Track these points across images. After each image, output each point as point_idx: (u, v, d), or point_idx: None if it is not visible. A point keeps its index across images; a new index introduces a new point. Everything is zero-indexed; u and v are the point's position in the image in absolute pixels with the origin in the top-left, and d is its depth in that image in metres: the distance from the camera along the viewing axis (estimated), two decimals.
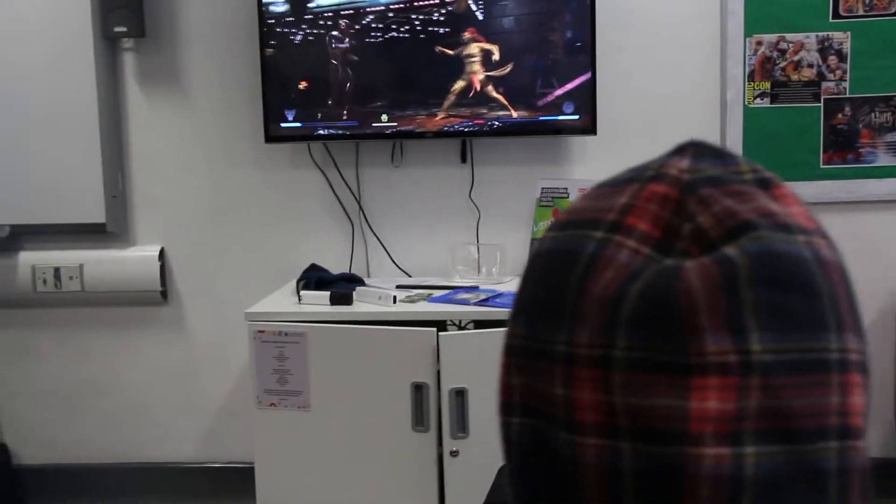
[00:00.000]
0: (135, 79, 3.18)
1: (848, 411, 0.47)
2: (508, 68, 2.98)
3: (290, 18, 2.99)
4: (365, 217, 3.17)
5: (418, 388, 2.54)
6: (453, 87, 3.01)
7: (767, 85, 3.06)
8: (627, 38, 3.06)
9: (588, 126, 2.96)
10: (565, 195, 2.96)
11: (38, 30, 3.08)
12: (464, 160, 3.13)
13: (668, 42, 3.07)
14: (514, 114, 3.00)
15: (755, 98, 3.06)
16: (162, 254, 3.23)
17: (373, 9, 2.96)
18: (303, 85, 3.02)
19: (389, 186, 3.17)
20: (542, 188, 3.02)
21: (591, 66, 2.93)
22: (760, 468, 0.44)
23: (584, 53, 2.93)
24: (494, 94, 3.00)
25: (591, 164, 3.10)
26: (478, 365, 2.53)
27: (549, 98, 2.99)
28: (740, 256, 0.45)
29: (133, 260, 3.22)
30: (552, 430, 0.49)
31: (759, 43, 3.04)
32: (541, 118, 2.99)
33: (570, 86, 2.97)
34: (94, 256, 3.20)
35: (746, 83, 3.06)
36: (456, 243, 3.09)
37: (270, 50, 2.99)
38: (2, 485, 3.27)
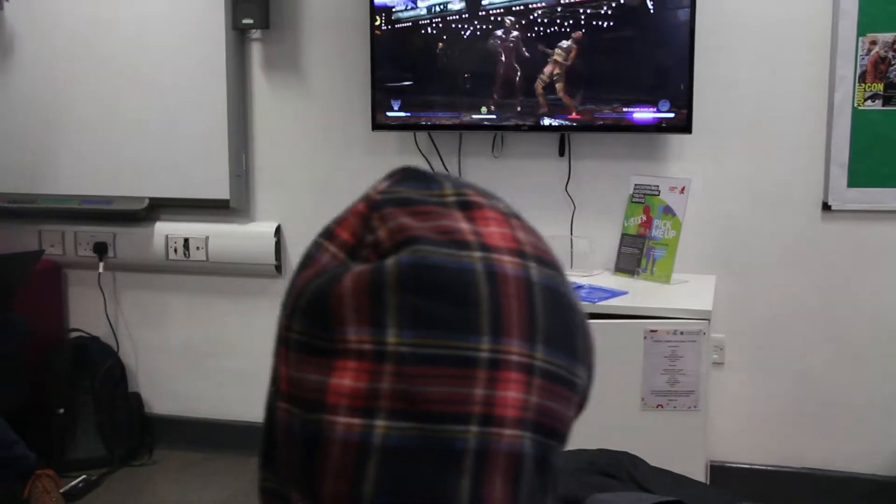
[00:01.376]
0: (260, 67, 3.43)
1: (495, 403, 0.54)
2: (608, 66, 3.01)
3: (400, 13, 3.14)
4: None
5: None
6: (554, 83, 3.07)
7: (880, 86, 2.94)
8: (732, 36, 3.02)
9: (683, 124, 2.96)
10: (657, 192, 2.97)
11: (175, 22, 3.39)
12: (562, 153, 3.19)
13: (775, 41, 3.00)
14: (611, 110, 3.04)
15: (865, 100, 2.95)
16: (278, 230, 3.48)
17: (481, 9, 3.08)
18: (409, 76, 3.18)
19: (489, 176, 3.27)
20: (635, 185, 3.04)
21: (689, 64, 2.92)
22: (389, 439, 0.52)
23: (682, 52, 2.92)
24: (591, 90, 3.04)
25: (687, 162, 3.09)
26: None
27: (646, 96, 3.00)
28: (393, 266, 0.54)
29: (252, 234, 3.49)
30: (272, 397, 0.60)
31: (874, 42, 2.93)
32: (636, 115, 3.02)
33: (667, 84, 2.97)
34: (219, 230, 3.49)
35: (857, 84, 2.95)
36: (550, 235, 3.16)
37: (380, 42, 3.16)
38: (135, 428, 3.64)
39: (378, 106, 3.21)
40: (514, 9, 3.05)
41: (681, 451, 2.57)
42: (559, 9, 3.01)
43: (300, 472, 0.55)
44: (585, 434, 2.33)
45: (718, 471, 3.17)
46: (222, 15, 3.33)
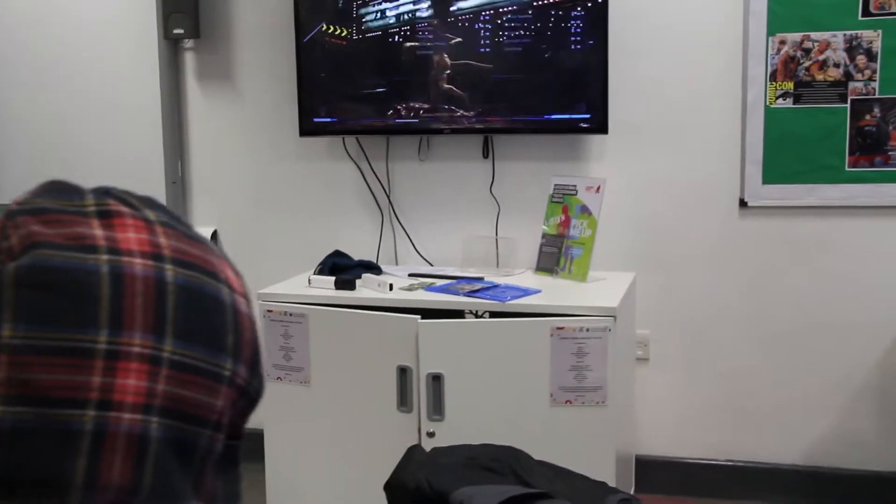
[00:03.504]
0: (193, 75, 3.50)
1: (113, 389, 0.59)
2: (524, 68, 3.08)
3: (320, 21, 3.20)
4: (393, 208, 3.36)
5: (403, 372, 2.72)
6: (474, 86, 3.14)
7: (790, 85, 3.01)
8: (646, 38, 3.09)
9: (600, 125, 3.02)
10: (574, 192, 3.03)
11: (109, 31, 3.46)
12: (485, 156, 3.25)
13: (689, 42, 3.07)
14: (530, 113, 3.10)
15: (777, 98, 3.02)
16: (214, 235, 3.54)
17: (393, 12, 3.14)
18: (332, 82, 3.24)
19: (417, 180, 3.34)
20: (555, 185, 3.10)
21: (603, 66, 2.98)
22: (4, 422, 0.57)
23: (596, 54, 2.99)
24: (507, 92, 3.10)
25: (606, 162, 3.16)
26: (454, 352, 2.67)
27: (563, 98, 3.06)
28: (13, 267, 0.59)
29: None
30: None
31: (783, 42, 2.99)
32: (554, 117, 3.08)
33: (582, 86, 3.04)
34: None
35: (768, 83, 3.01)
36: (476, 236, 3.23)
37: (304, 49, 3.22)
38: None
39: (305, 112, 3.27)
40: (425, 20, 3.11)
41: (590, 446, 2.63)
42: (482, 14, 3.07)
43: None
44: (496, 428, 2.41)
45: (644, 464, 3.23)
46: (154, 25, 3.39)
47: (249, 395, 0.70)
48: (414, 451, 2.03)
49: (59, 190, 0.65)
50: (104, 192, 0.66)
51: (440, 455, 2.01)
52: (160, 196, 3.46)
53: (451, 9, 3.10)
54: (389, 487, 1.96)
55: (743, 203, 3.09)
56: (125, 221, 0.63)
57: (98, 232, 0.62)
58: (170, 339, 0.61)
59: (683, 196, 3.13)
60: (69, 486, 0.57)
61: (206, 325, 0.64)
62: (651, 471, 3.24)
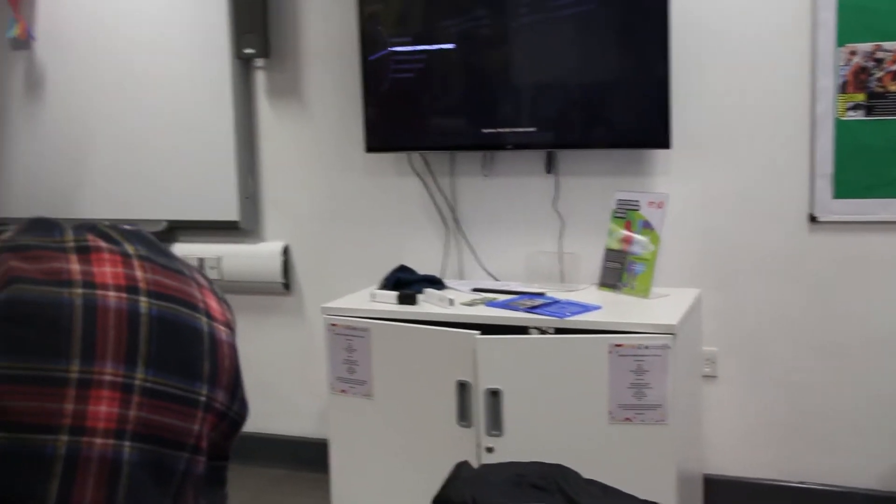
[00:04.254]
0: (264, 93, 3.59)
1: (84, 416, 0.62)
2: (586, 83, 3.07)
3: (385, 40, 3.26)
4: (458, 223, 3.39)
5: (462, 387, 2.74)
6: (538, 102, 3.15)
7: (862, 97, 2.92)
8: (711, 50, 3.04)
9: (662, 140, 3.00)
10: (637, 207, 3.01)
11: (183, 52, 3.58)
12: (549, 171, 3.25)
13: (755, 54, 3.01)
14: (591, 127, 3.10)
15: (847, 110, 2.94)
16: (286, 250, 3.63)
17: (455, 29, 3.17)
18: (397, 99, 3.29)
19: (481, 195, 3.36)
20: (618, 200, 3.08)
21: (665, 80, 2.95)
22: None
23: (658, 68, 2.96)
24: (570, 107, 3.10)
25: (671, 176, 3.12)
26: (512, 368, 2.68)
27: (625, 112, 3.05)
28: None
29: (261, 254, 3.65)
30: None
31: (853, 53, 2.92)
32: (616, 132, 3.07)
33: (644, 100, 3.02)
34: (231, 250, 3.66)
35: (838, 95, 2.94)
36: (539, 251, 3.23)
37: (370, 66, 3.28)
38: None
39: (371, 128, 3.32)
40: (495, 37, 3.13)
41: (650, 465, 2.61)
42: (544, 30, 3.08)
43: None
44: (554, 445, 2.41)
45: (714, 484, 3.18)
46: (227, 45, 3.50)
47: (231, 419, 0.73)
48: (462, 468, 2.05)
49: (41, 227, 0.69)
50: (88, 228, 0.69)
51: (488, 472, 2.03)
52: (234, 212, 3.57)
53: (513, 24, 3.12)
54: (437, 502, 1.99)
55: (812, 218, 3.01)
56: (102, 256, 0.67)
57: (75, 266, 0.65)
58: (141, 367, 0.64)
59: (750, 211, 3.08)
60: None
61: (180, 353, 0.67)
62: (721, 491, 3.18)
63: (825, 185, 3.00)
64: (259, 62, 3.57)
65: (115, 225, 0.73)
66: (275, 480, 3.63)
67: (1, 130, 3.93)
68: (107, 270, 0.66)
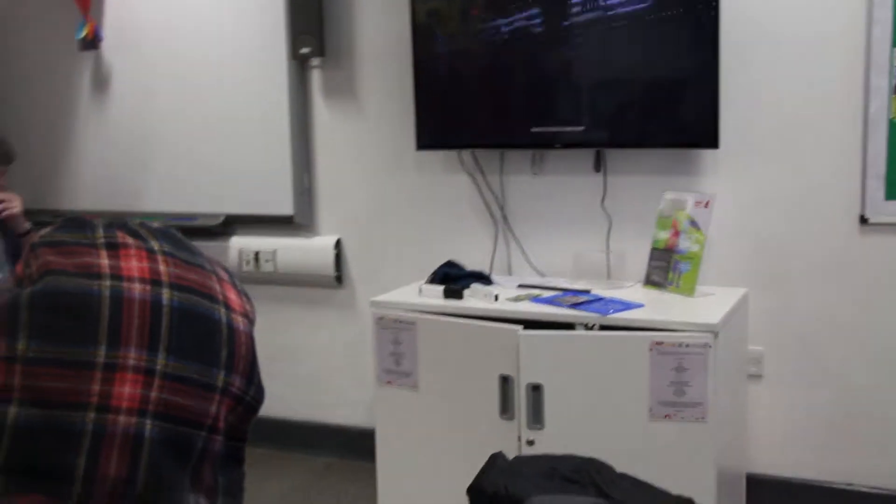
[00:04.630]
0: (319, 92, 3.69)
1: (110, 396, 0.69)
2: (635, 82, 3.09)
3: (436, 39, 3.32)
4: (507, 220, 3.44)
5: (505, 381, 2.79)
6: (586, 100, 3.18)
7: None
8: (763, 49, 3.04)
9: (710, 140, 3.00)
10: (683, 207, 3.02)
11: (244, 54, 3.70)
12: (597, 169, 3.28)
13: (807, 53, 3.00)
14: (639, 127, 3.11)
15: None
16: (338, 244, 3.72)
17: (507, 28, 3.22)
18: (448, 97, 3.35)
19: (530, 192, 3.40)
20: (665, 199, 3.09)
21: (714, 81, 2.96)
22: (20, 419, 0.68)
23: (707, 68, 2.96)
24: (618, 106, 3.12)
25: (719, 176, 3.12)
26: (554, 363, 2.72)
27: (673, 112, 3.06)
28: (28, 292, 0.70)
29: (315, 248, 3.74)
30: None
31: None
32: (664, 131, 3.08)
33: (693, 100, 3.02)
34: (285, 243, 3.77)
35: (892, 95, 2.91)
36: (586, 248, 3.26)
37: (421, 65, 3.35)
38: None
39: (422, 126, 3.39)
40: (547, 34, 3.17)
41: (689, 462, 2.63)
42: (593, 29, 3.10)
43: None
44: (595, 440, 2.45)
45: (757, 483, 3.18)
46: (284, 45, 3.60)
47: (247, 403, 0.79)
48: (496, 458, 2.10)
49: (76, 225, 0.77)
50: (118, 226, 0.76)
51: (522, 463, 2.08)
52: (289, 206, 3.67)
53: (564, 24, 3.15)
54: (471, 491, 2.04)
55: (864, 219, 2.99)
56: (129, 252, 0.74)
57: (104, 261, 0.72)
58: (163, 353, 0.71)
59: (800, 211, 3.06)
60: (72, 477, 0.67)
61: (199, 341, 0.74)
62: (764, 491, 3.18)
63: (877, 186, 2.97)
64: (315, 61, 3.66)
65: (143, 223, 0.80)
66: (324, 468, 3.73)
67: (70, 126, 4.09)
68: (133, 265, 0.73)
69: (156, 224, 0.80)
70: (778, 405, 3.17)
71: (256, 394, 0.80)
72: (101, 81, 4.00)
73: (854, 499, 3.09)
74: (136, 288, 0.72)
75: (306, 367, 3.85)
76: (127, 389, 0.69)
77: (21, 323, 0.70)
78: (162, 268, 0.74)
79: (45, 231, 0.78)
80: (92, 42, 3.90)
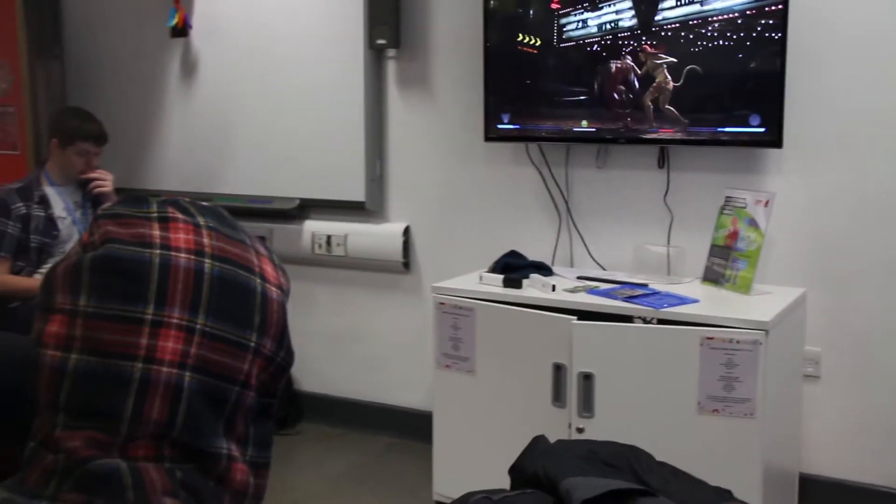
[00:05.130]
0: (394, 82, 3.81)
1: (155, 349, 0.80)
2: (702, 80, 3.12)
3: (508, 32, 3.40)
4: (570, 213, 3.50)
5: (558, 369, 2.87)
6: (652, 98, 3.22)
7: None
8: (830, 48, 3.03)
9: (774, 139, 3.01)
10: (744, 205, 3.04)
11: (322, 44, 3.84)
12: (661, 165, 3.32)
13: (874, 52, 2.98)
14: (705, 125, 3.14)
15: None
16: (406, 230, 3.84)
17: (561, 43, 3.28)
18: (517, 90, 3.42)
19: (594, 186, 3.46)
20: (726, 197, 3.12)
21: (780, 81, 2.97)
22: (79, 365, 0.80)
23: (774, 68, 2.97)
24: (684, 103, 3.16)
25: (783, 175, 3.13)
26: (605, 353, 2.79)
27: (738, 111, 3.08)
28: (90, 256, 0.82)
29: (384, 233, 3.87)
30: None
31: None
32: (728, 129, 3.10)
33: (758, 100, 3.04)
34: (356, 228, 3.90)
35: None
36: (647, 243, 3.31)
37: (491, 58, 3.43)
38: (286, 403, 4.13)
39: (490, 119, 3.48)
40: (611, 34, 3.22)
41: (736, 456, 2.66)
42: (657, 30, 3.14)
43: (36, 389, 0.85)
44: (643, 430, 2.51)
45: (812, 483, 3.18)
46: (361, 36, 3.73)
47: (278, 363, 0.89)
48: (538, 441, 2.17)
49: (134, 201, 0.88)
50: (171, 203, 0.88)
51: (563, 447, 2.15)
52: (360, 193, 3.81)
53: (657, 18, 3.16)
54: (512, 471, 2.13)
55: None
56: (178, 225, 0.85)
57: (155, 232, 0.84)
58: (202, 315, 0.82)
59: (863, 212, 3.05)
60: (121, 417, 0.79)
61: (234, 306, 0.84)
62: (818, 491, 3.18)
63: None
64: (390, 52, 3.78)
65: (193, 201, 0.91)
66: (385, 448, 3.86)
67: (159, 111, 4.31)
68: (181, 237, 0.84)
69: (205, 203, 0.92)
70: (835, 407, 3.16)
71: (286, 356, 0.90)
72: (188, 68, 4.20)
73: None
74: (182, 257, 0.82)
75: (371, 350, 3.99)
76: (170, 344, 0.80)
77: (83, 282, 0.81)
78: (206, 241, 0.85)
79: (107, 205, 0.90)
80: (181, 30, 4.09)
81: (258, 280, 0.87)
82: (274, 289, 0.89)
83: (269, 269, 0.90)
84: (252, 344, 0.85)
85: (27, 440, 0.84)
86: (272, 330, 0.88)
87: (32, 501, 0.80)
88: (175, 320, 0.81)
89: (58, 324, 0.81)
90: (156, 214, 0.85)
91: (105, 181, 3.72)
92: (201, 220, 0.87)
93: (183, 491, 0.81)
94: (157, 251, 0.82)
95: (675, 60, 3.14)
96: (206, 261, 0.84)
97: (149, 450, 0.80)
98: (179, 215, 0.86)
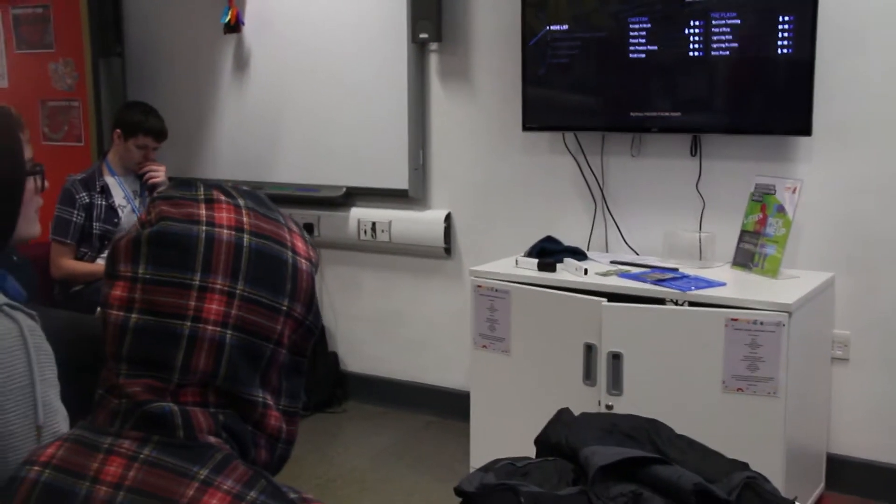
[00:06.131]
0: (436, 74, 3.95)
1: (202, 310, 0.94)
2: (733, 70, 3.21)
3: (545, 25, 3.52)
4: (605, 200, 3.62)
5: (589, 349, 2.99)
6: (683, 86, 3.31)
7: None
8: (857, 39, 3.10)
9: (803, 128, 3.09)
10: (773, 192, 3.13)
11: (368, 38, 4.00)
12: (693, 153, 3.41)
13: None
14: (735, 113, 3.23)
15: None
16: (448, 217, 3.99)
17: (595, 34, 3.39)
18: (554, 81, 3.54)
19: (628, 174, 3.57)
20: (756, 184, 3.21)
21: (810, 70, 3.05)
22: (138, 324, 0.95)
23: (803, 58, 3.05)
24: (716, 93, 3.25)
25: (813, 162, 3.21)
26: (634, 334, 2.90)
27: (769, 100, 3.16)
28: (147, 231, 0.97)
29: (426, 220, 4.02)
30: None
31: None
32: (759, 118, 3.19)
33: (788, 89, 3.11)
34: (400, 215, 4.06)
35: None
36: (678, 229, 3.41)
37: (529, 51, 3.56)
38: (331, 382, 4.31)
39: (528, 109, 3.60)
40: (643, 28, 3.32)
41: (759, 433, 2.76)
42: (693, 19, 3.23)
43: (103, 344, 1.01)
44: (669, 407, 2.63)
45: (839, 463, 3.26)
46: (405, 30, 3.88)
47: (307, 326, 1.03)
48: (562, 413, 2.31)
49: (183, 184, 1.03)
50: (215, 186, 1.02)
51: (586, 419, 2.28)
52: (404, 181, 3.96)
53: (663, 11, 3.27)
54: (538, 441, 2.27)
55: None
56: (221, 206, 0.99)
57: (202, 212, 0.98)
58: (242, 281, 0.96)
59: (890, 199, 3.11)
60: (172, 367, 0.94)
61: (269, 274, 0.98)
62: (845, 471, 3.26)
63: None
64: (432, 46, 3.92)
65: (235, 186, 1.05)
66: (424, 425, 4.03)
67: (213, 104, 4.51)
68: (223, 215, 0.98)
69: (245, 187, 1.07)
70: (863, 389, 3.24)
71: (315, 320, 1.04)
72: (240, 63, 4.39)
73: None
74: (225, 232, 0.97)
75: (414, 332, 4.15)
76: (214, 306, 0.95)
77: (141, 254, 0.96)
78: (245, 219, 0.99)
79: (161, 189, 1.06)
80: (234, 26, 4.28)
81: (290, 253, 1.01)
82: (304, 261, 1.03)
83: (299, 244, 1.03)
84: (284, 308, 0.99)
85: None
86: (302, 296, 1.01)
87: (101, 437, 0.96)
88: (218, 286, 0.95)
89: (121, 288, 0.97)
90: (202, 196, 1.00)
91: (159, 172, 3.93)
92: (241, 202, 1.01)
93: (224, 432, 0.96)
94: (204, 227, 0.96)
95: (707, 51, 3.23)
96: (245, 235, 0.97)
97: (195, 396, 0.95)
98: (222, 197, 1.00)
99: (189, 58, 4.57)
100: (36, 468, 0.97)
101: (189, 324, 0.94)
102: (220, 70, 4.47)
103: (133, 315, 0.95)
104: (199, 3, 4.45)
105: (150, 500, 0.90)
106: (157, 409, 0.93)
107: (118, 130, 3.89)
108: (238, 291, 0.96)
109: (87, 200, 3.81)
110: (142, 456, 0.92)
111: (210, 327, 0.94)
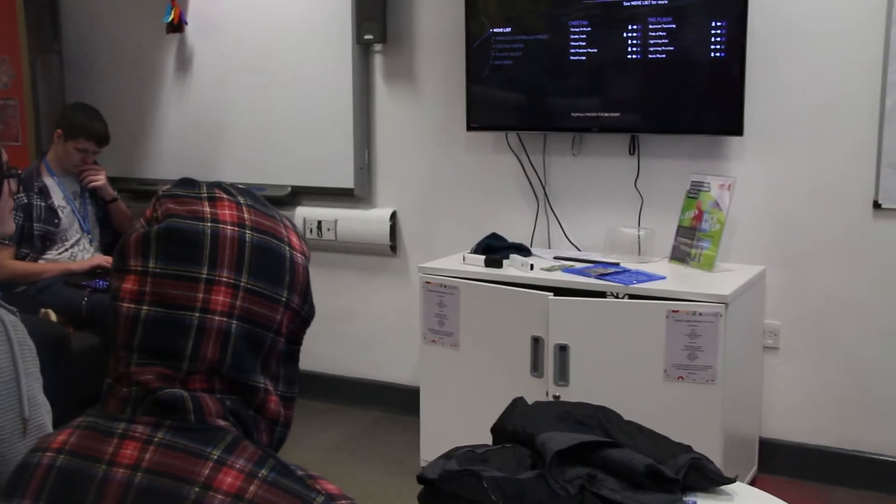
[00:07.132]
0: (381, 75, 4.02)
1: (209, 302, 0.99)
2: (668, 73, 3.35)
3: (487, 29, 3.61)
4: (548, 197, 3.73)
5: (536, 341, 3.10)
6: (620, 88, 3.44)
7: None
8: (784, 42, 3.26)
9: (735, 128, 3.25)
10: (708, 189, 3.28)
11: (311, 39, 4.04)
12: (632, 153, 3.55)
13: (829, 47, 3.22)
14: (671, 114, 3.37)
15: None
16: (393, 216, 4.06)
17: (537, 37, 3.50)
18: (496, 83, 3.64)
19: (569, 172, 3.69)
20: (691, 181, 3.35)
21: (741, 72, 3.20)
22: (149, 315, 1.00)
23: (735, 61, 3.21)
24: (652, 95, 3.38)
25: (744, 161, 3.37)
26: (579, 326, 3.02)
27: (702, 101, 3.31)
28: (156, 228, 1.01)
29: (372, 219, 4.09)
30: None
31: None
32: (693, 119, 3.33)
33: (720, 91, 3.27)
34: (345, 214, 4.12)
35: None
36: (620, 225, 3.54)
37: (472, 53, 3.65)
38: None
39: (472, 109, 3.70)
40: (582, 28, 3.44)
41: (698, 419, 2.90)
42: (629, 24, 3.36)
43: (113, 334, 1.06)
44: (614, 396, 2.74)
45: (771, 446, 3.43)
46: (349, 31, 3.94)
47: (303, 316, 1.09)
48: (517, 403, 2.41)
49: (186, 183, 1.08)
50: (216, 185, 1.08)
51: (540, 407, 2.38)
52: (349, 180, 4.02)
53: (601, 16, 3.40)
54: (494, 430, 2.36)
55: (877, 205, 3.21)
56: (224, 203, 1.05)
57: (206, 209, 1.03)
58: (245, 274, 1.02)
59: (818, 196, 3.29)
60: (182, 356, 0.99)
61: (270, 267, 1.04)
62: (776, 453, 3.43)
63: (891, 174, 3.18)
64: (377, 47, 3.99)
65: (234, 185, 1.11)
66: (374, 421, 4.09)
67: (155, 103, 4.50)
68: (226, 212, 1.04)
69: (243, 186, 1.13)
70: (793, 376, 3.41)
71: (310, 310, 1.10)
72: (183, 63, 4.39)
73: (862, 464, 3.32)
74: (228, 228, 1.02)
75: (361, 329, 4.21)
76: (220, 298, 1.00)
77: (151, 249, 1.02)
78: (246, 216, 1.05)
79: (166, 187, 1.11)
80: (177, 26, 4.28)
81: (287, 247, 1.07)
82: (299, 255, 1.09)
83: (294, 239, 1.09)
84: (283, 299, 1.05)
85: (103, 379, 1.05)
86: (299, 288, 1.07)
87: (113, 423, 1.01)
88: (224, 278, 1.00)
89: (132, 282, 1.01)
90: (205, 195, 1.04)
91: (98, 175, 3.91)
92: (241, 200, 1.07)
93: (230, 416, 1.02)
94: (209, 224, 1.01)
95: (641, 53, 3.37)
96: (247, 231, 1.03)
97: (203, 383, 1.00)
98: (224, 195, 1.06)
99: (131, 56, 4.55)
100: (49, 454, 1.01)
101: (198, 314, 0.99)
102: (163, 69, 4.46)
103: (144, 307, 1.00)
104: (140, 1, 4.43)
105: (168, 479, 0.95)
106: (168, 395, 0.98)
107: (59, 130, 3.86)
108: (242, 284, 1.01)
109: (26, 201, 3.77)
110: (156, 439, 0.97)
111: (217, 318, 0.99)
